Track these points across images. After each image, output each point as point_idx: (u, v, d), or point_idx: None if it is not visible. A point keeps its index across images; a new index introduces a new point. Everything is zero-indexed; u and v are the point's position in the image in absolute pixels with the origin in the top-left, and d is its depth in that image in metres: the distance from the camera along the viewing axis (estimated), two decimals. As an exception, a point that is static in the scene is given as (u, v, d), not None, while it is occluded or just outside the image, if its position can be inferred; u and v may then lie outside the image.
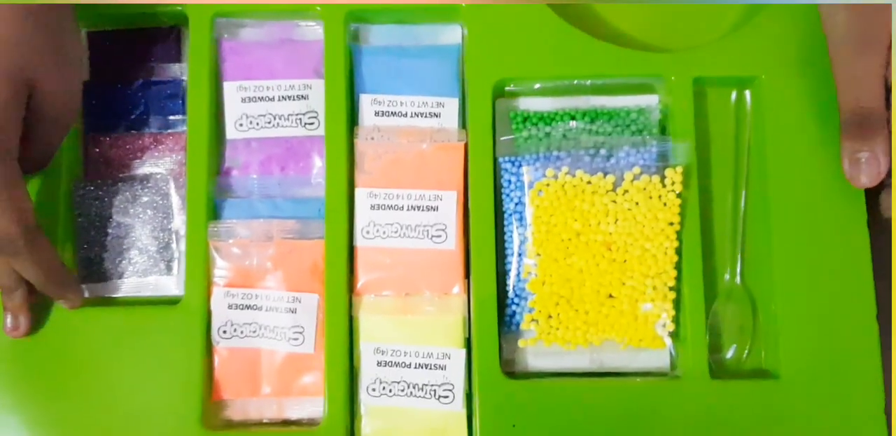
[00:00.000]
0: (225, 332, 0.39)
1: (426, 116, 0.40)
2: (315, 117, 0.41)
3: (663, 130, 0.40)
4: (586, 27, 0.40)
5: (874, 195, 0.38)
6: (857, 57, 0.35)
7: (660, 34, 0.42)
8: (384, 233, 0.39)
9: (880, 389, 0.37)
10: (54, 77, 0.34)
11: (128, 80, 0.41)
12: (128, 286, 0.40)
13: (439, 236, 0.39)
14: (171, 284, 0.40)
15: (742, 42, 0.39)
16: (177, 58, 0.42)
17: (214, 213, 0.40)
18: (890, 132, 0.35)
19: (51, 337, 0.38)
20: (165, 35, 0.41)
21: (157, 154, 0.41)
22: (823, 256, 0.38)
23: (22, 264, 0.35)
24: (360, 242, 0.39)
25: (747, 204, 0.39)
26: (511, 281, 0.39)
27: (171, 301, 0.39)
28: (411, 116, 0.40)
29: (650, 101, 0.40)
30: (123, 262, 0.40)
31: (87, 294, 0.40)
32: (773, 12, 0.40)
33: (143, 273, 0.40)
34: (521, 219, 0.39)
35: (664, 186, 0.38)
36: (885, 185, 0.36)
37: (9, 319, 0.38)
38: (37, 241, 0.35)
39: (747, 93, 0.40)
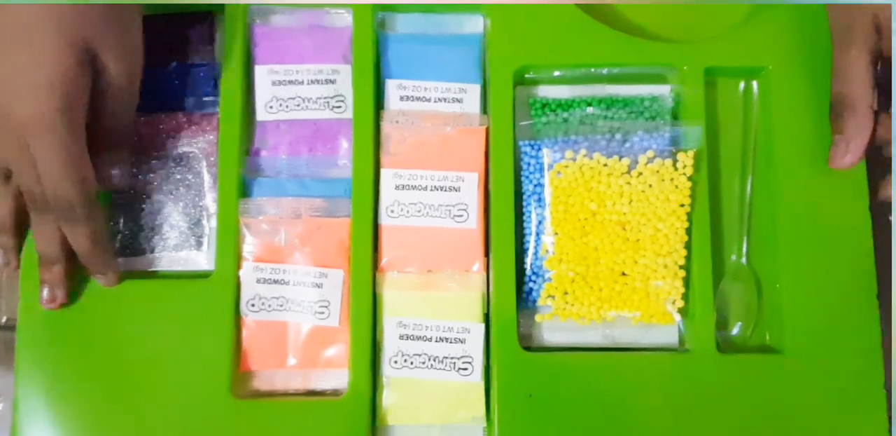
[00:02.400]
0: (253, 305, 0.40)
1: (449, 102, 0.42)
2: (342, 101, 0.42)
3: (675, 118, 0.42)
4: (604, 18, 0.42)
5: (876, 179, 0.40)
6: (842, 50, 0.39)
7: (673, 25, 0.43)
8: (408, 212, 0.41)
9: (880, 364, 0.39)
10: (117, 50, 0.35)
11: (163, 63, 0.43)
12: (160, 261, 0.41)
13: (461, 216, 0.41)
14: (201, 260, 0.41)
15: (751, 34, 0.41)
16: (210, 42, 0.43)
17: (245, 191, 0.42)
18: (869, 121, 0.38)
19: (84, 309, 0.40)
20: (200, 20, 0.43)
21: (190, 134, 0.42)
22: (826, 238, 0.40)
23: (74, 232, 0.36)
24: (384, 220, 0.41)
25: (754, 188, 0.41)
26: (529, 259, 0.41)
27: (202, 276, 0.41)
28: (435, 101, 0.42)
29: (663, 90, 0.42)
30: (156, 237, 0.42)
31: (120, 268, 0.41)
32: (781, 6, 0.42)
33: (174, 248, 0.41)
34: (539, 199, 0.41)
35: (676, 169, 0.40)
36: (887, 169, 0.39)
37: (45, 292, 0.39)
38: (94, 211, 0.36)
39: (755, 83, 0.42)
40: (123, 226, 0.41)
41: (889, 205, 0.43)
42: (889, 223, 0.43)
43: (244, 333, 0.40)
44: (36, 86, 0.33)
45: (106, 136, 0.37)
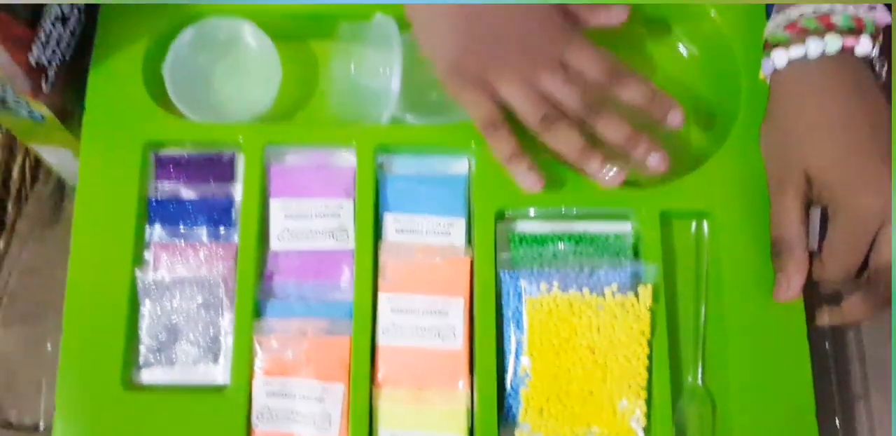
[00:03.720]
0: (263, 416, 0.45)
1: (438, 234, 0.48)
2: (345, 232, 0.48)
3: (636, 252, 0.48)
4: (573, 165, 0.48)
5: (813, 309, 0.46)
6: (778, 199, 0.45)
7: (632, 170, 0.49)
8: (402, 333, 0.46)
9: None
10: None
11: (189, 197, 0.49)
12: (179, 374, 0.46)
13: (448, 337, 0.46)
14: (217, 374, 0.46)
15: (699, 181, 0.48)
16: (231, 178, 0.49)
17: (258, 311, 0.47)
18: (805, 261, 0.44)
19: (105, 420, 0.44)
20: (223, 159, 0.50)
21: (211, 260, 0.48)
22: (771, 363, 0.45)
23: (577, 53, 0.44)
24: (381, 340, 0.46)
25: (707, 317, 0.47)
26: (509, 378, 0.46)
27: (217, 389, 0.45)
28: (426, 234, 0.48)
29: (625, 227, 0.48)
30: (177, 352, 0.47)
31: (143, 380, 0.46)
32: (725, 155, 0.48)
33: (193, 362, 0.46)
34: (518, 324, 0.46)
35: (637, 301, 0.46)
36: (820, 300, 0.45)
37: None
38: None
39: (705, 223, 0.48)
40: (148, 341, 0.46)
41: (824, 330, 0.48)
42: (825, 348, 0.48)
43: (253, 443, 0.45)
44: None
45: None
